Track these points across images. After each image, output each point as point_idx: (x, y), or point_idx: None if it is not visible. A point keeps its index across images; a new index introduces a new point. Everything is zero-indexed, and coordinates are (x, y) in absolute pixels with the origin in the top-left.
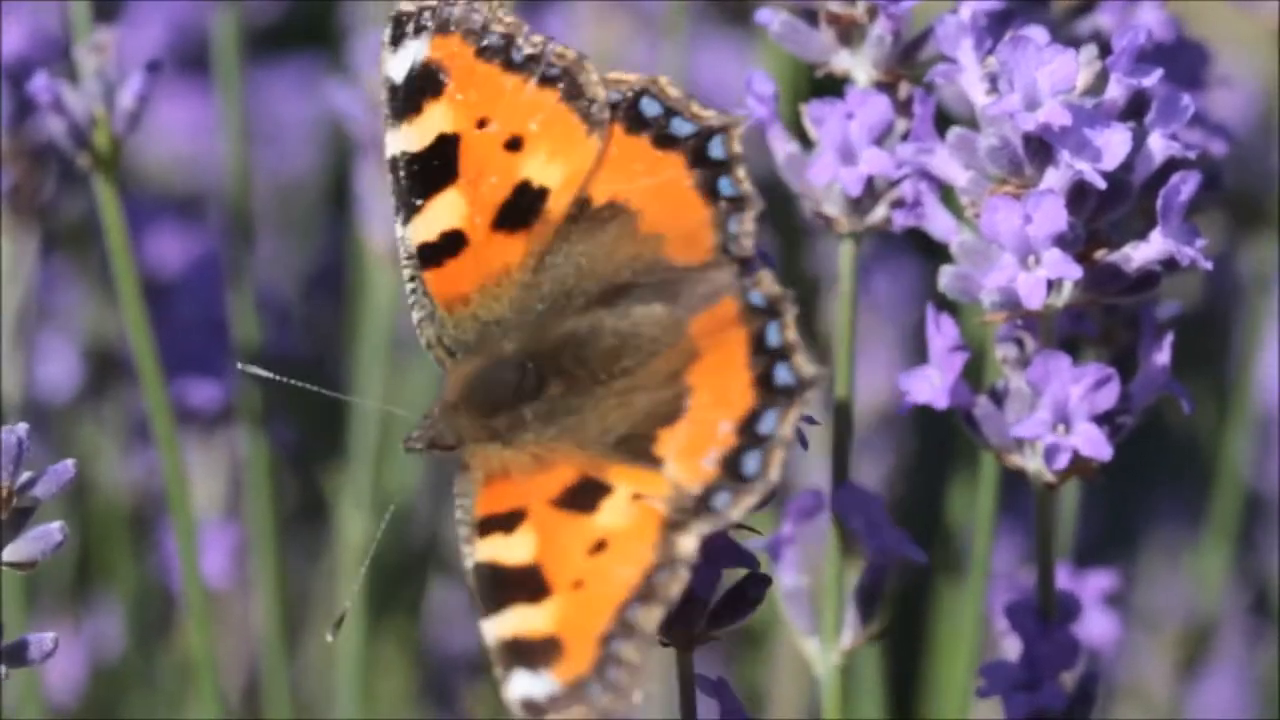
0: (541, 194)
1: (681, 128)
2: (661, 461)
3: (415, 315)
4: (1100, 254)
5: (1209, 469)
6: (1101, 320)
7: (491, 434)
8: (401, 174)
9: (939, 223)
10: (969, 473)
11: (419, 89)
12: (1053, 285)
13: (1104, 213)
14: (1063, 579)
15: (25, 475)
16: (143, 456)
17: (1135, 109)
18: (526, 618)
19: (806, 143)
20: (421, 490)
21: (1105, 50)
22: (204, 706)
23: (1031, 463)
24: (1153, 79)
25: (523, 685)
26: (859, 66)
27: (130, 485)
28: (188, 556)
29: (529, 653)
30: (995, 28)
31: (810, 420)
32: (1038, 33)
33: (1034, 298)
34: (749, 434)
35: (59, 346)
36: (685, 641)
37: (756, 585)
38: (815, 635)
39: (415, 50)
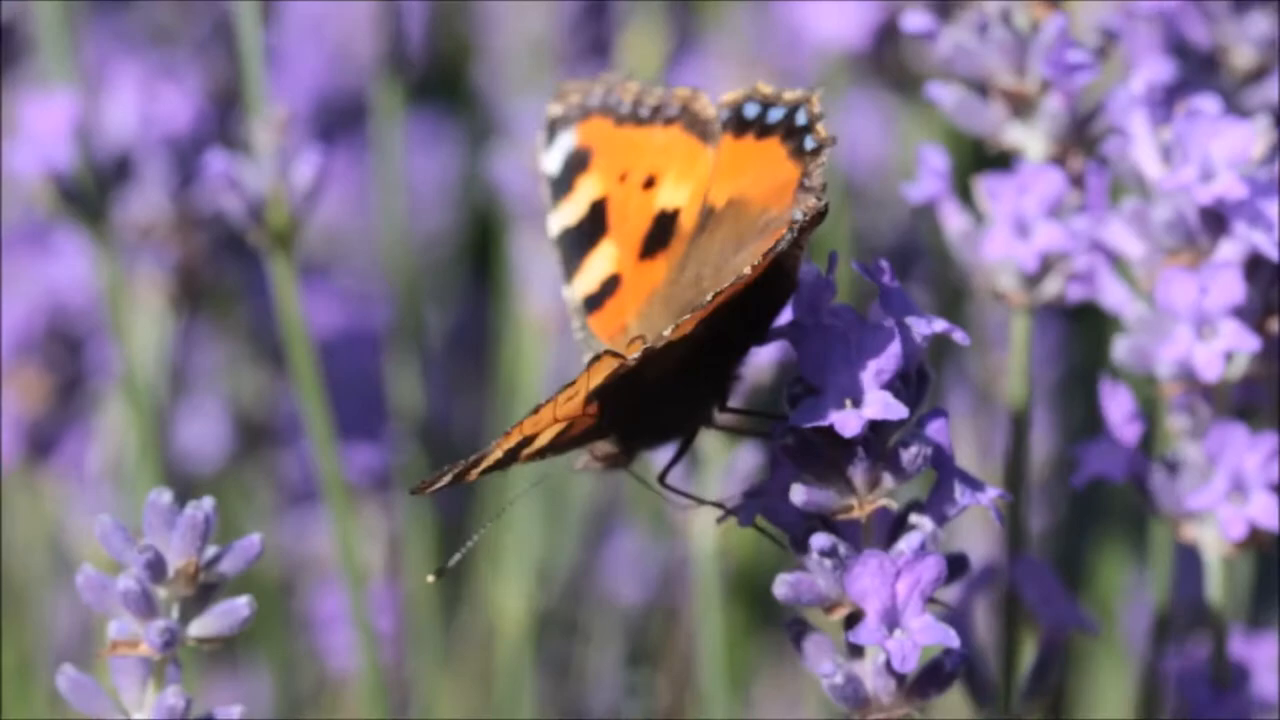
0: (675, 215)
1: (775, 114)
2: None
3: (585, 359)
4: (1274, 324)
5: None
6: (1275, 389)
7: None
8: (565, 245)
9: (1113, 295)
10: (1116, 534)
11: (571, 171)
12: (1229, 356)
13: (1278, 283)
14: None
15: (211, 550)
16: (289, 523)
17: None
18: None
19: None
20: (571, 556)
21: (1278, 120)
22: None
23: (1207, 533)
24: None
25: None
26: (1031, 140)
27: (276, 551)
28: (361, 622)
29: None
30: (1166, 99)
31: (1004, 496)
32: (1210, 104)
33: (1211, 370)
34: None
35: (207, 413)
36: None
37: (954, 659)
38: (988, 705)
39: (566, 142)
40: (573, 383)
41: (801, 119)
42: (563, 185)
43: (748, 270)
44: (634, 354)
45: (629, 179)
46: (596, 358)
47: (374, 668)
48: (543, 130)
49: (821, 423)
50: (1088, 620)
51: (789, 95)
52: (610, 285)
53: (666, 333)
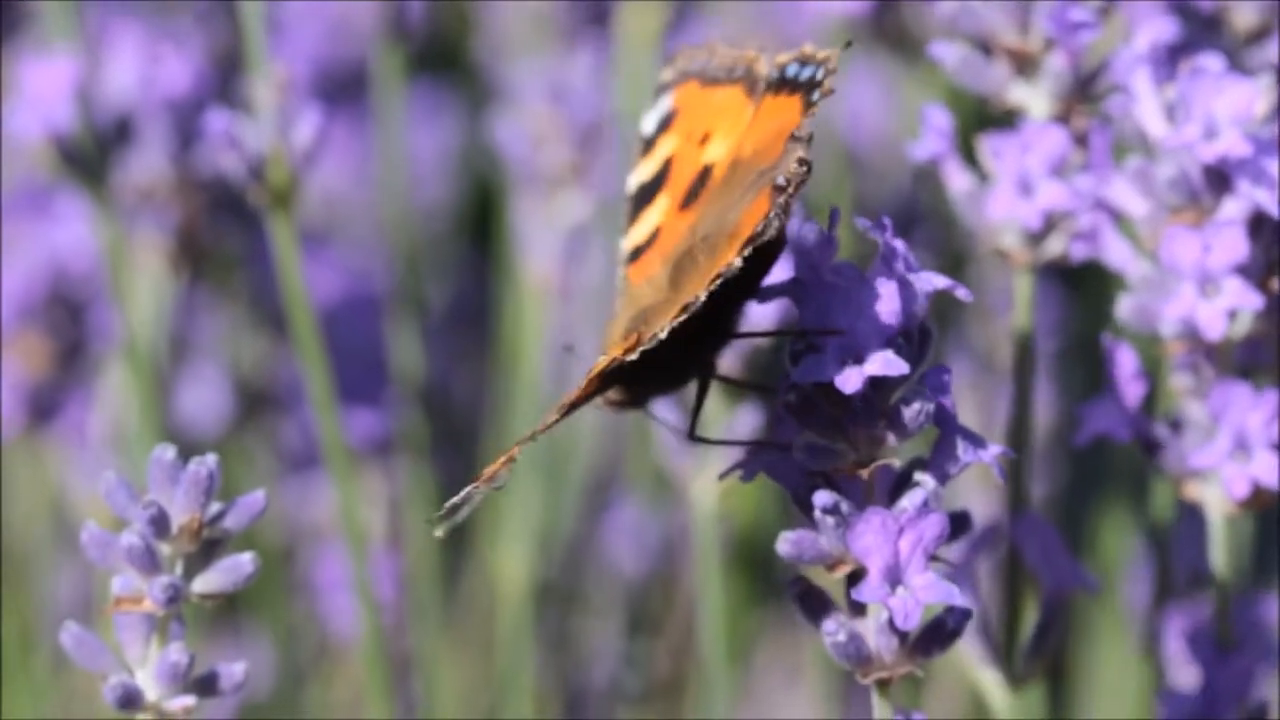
0: (710, 168)
1: (806, 71)
2: None
3: (618, 305)
4: (1277, 282)
5: None
6: (1278, 347)
7: None
8: (634, 201)
9: (1117, 253)
10: (1119, 502)
11: (659, 132)
12: (1232, 314)
13: None
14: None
15: (215, 507)
16: (291, 488)
17: None
18: None
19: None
20: (571, 526)
21: None
22: None
23: (1210, 492)
24: None
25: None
26: (1035, 98)
27: (278, 517)
28: (362, 588)
29: None
30: (1169, 58)
31: (1007, 453)
32: (1214, 62)
33: (1214, 328)
34: None
35: (208, 379)
36: (885, 678)
37: (956, 617)
38: (991, 665)
39: (664, 105)
40: (566, 401)
41: (820, 74)
42: (648, 144)
43: (737, 262)
44: (630, 352)
45: (693, 136)
46: (591, 375)
47: (375, 634)
48: (653, 94)
49: (823, 379)
50: (1089, 579)
51: (821, 54)
52: (654, 236)
53: (661, 334)
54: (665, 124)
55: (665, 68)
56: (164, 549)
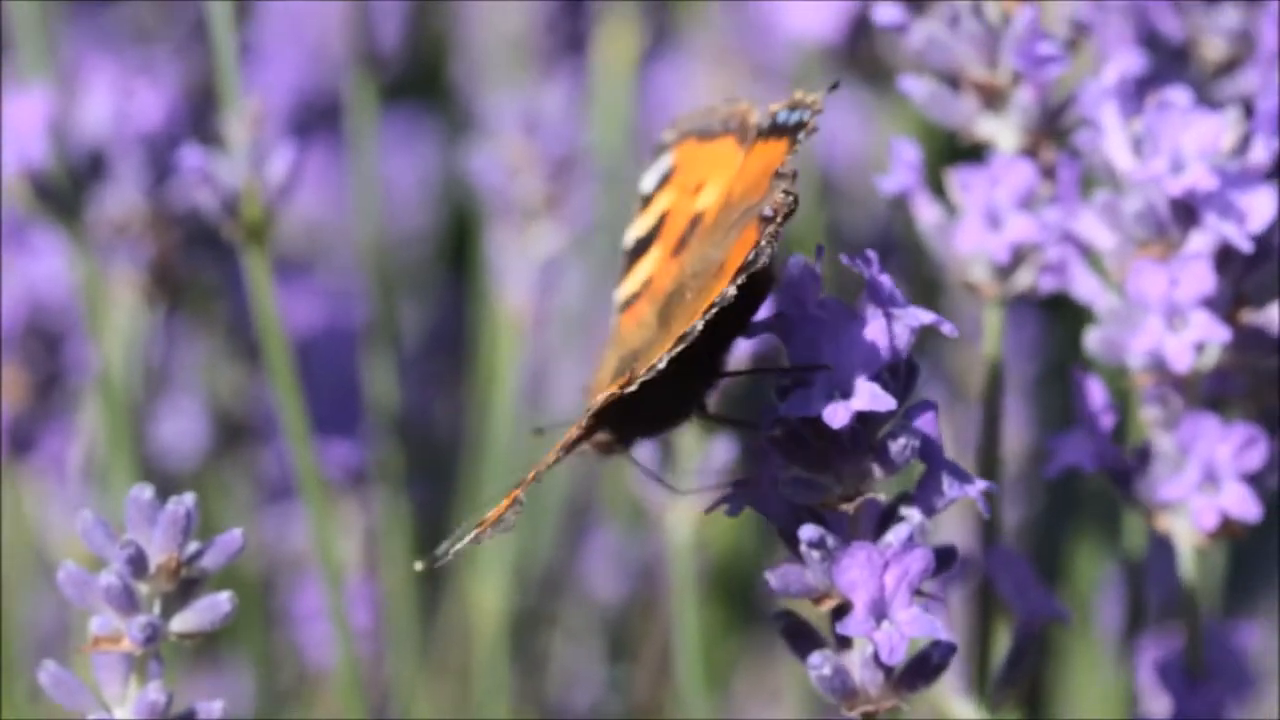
0: (701, 214)
1: (795, 116)
2: None
3: (605, 353)
4: (1245, 315)
5: None
6: (1247, 380)
7: None
8: (630, 255)
9: (1084, 286)
10: (1093, 527)
11: (657, 189)
12: (1200, 347)
13: (1249, 274)
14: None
15: (193, 546)
16: (268, 519)
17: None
18: None
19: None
20: (549, 552)
21: (1249, 111)
22: None
23: (1180, 523)
24: None
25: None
26: (1003, 132)
27: (255, 547)
28: (339, 618)
29: None
30: (1137, 91)
31: (993, 488)
32: (1181, 96)
33: (1181, 361)
34: None
35: (185, 410)
36: (870, 711)
37: (941, 650)
38: (963, 694)
39: (663, 163)
40: (567, 440)
41: (807, 116)
42: (646, 201)
43: (731, 290)
44: (628, 385)
45: (687, 188)
46: (589, 412)
47: (351, 663)
48: (651, 154)
49: (810, 414)
50: (1061, 610)
51: (810, 98)
52: (645, 284)
53: (660, 364)
54: (664, 181)
55: (667, 130)
56: (142, 588)
